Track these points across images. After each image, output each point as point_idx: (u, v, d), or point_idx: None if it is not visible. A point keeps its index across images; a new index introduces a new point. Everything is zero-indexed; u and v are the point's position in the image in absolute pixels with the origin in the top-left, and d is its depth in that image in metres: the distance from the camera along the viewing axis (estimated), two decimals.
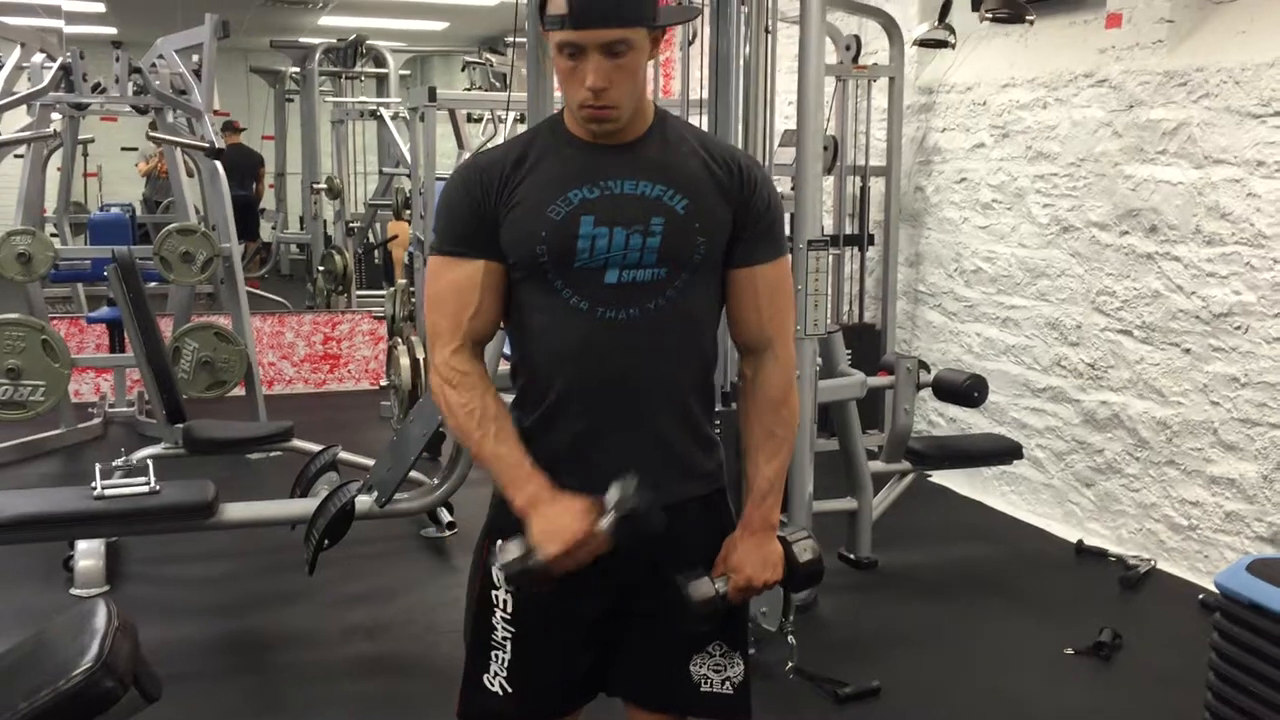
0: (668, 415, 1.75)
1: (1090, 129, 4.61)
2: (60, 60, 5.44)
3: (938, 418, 5.66)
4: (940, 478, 5.34)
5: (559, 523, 1.63)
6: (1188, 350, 4.22)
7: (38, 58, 5.70)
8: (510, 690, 1.78)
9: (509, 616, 1.78)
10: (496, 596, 1.79)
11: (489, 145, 6.23)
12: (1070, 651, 3.55)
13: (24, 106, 5.57)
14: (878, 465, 4.34)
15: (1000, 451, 4.56)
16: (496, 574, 1.73)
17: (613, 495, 1.62)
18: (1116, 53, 4.48)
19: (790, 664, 3.28)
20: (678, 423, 1.76)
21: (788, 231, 3.09)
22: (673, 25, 1.79)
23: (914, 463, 4.38)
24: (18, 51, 5.63)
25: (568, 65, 1.63)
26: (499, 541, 1.69)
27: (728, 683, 1.80)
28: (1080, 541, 4.55)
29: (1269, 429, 3.93)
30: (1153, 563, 4.29)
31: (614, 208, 1.68)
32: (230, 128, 9.40)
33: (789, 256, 1.84)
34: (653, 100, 1.77)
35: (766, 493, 1.79)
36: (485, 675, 1.80)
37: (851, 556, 4.26)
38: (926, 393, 4.52)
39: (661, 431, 1.74)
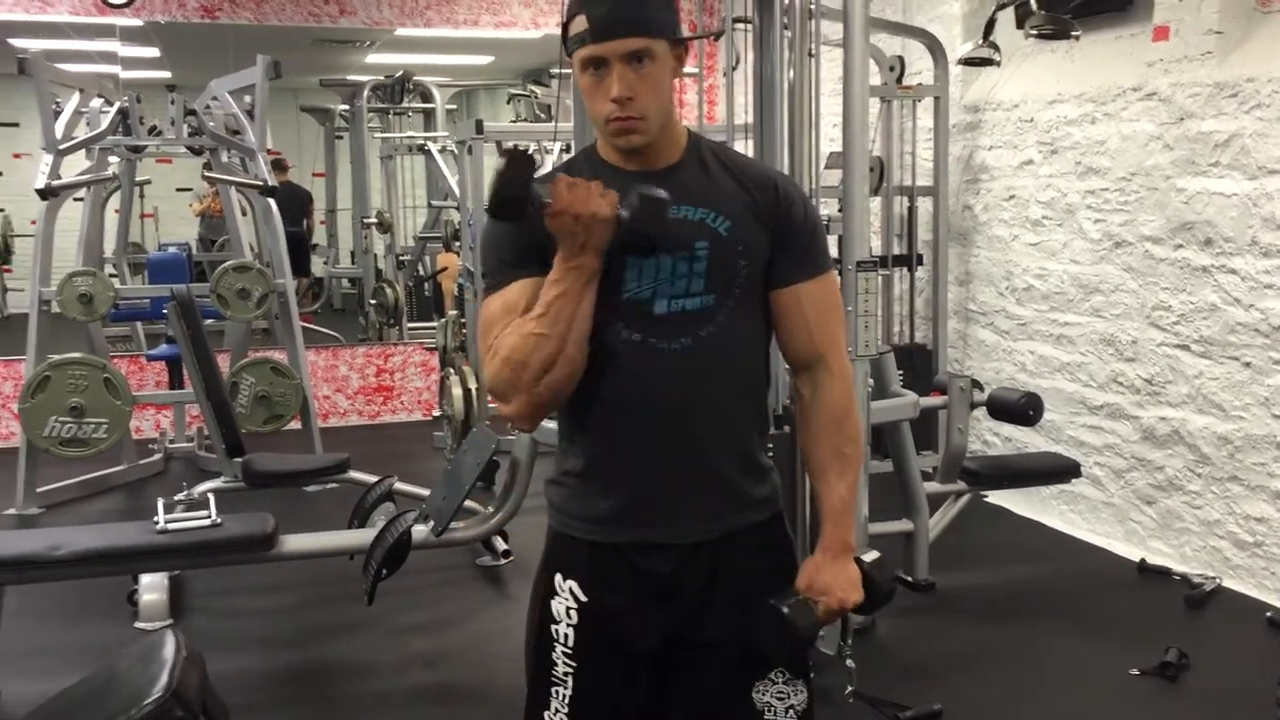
0: (721, 446, 1.74)
1: (1140, 143, 4.57)
2: (118, 105, 5.57)
3: (993, 437, 5.60)
4: (997, 498, 5.29)
5: (578, 187, 1.59)
6: (1248, 364, 4.15)
7: (95, 103, 5.84)
8: None
9: (570, 651, 1.77)
10: (557, 631, 1.78)
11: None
12: (1135, 672, 3.49)
13: (83, 151, 5.71)
14: (933, 486, 4.31)
15: (1058, 470, 4.51)
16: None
17: (633, 197, 1.60)
18: (1165, 65, 4.44)
19: (849, 688, 3.25)
20: (732, 454, 1.75)
21: (835, 252, 3.09)
22: (694, 40, 1.79)
23: (970, 483, 4.34)
24: (76, 97, 5.77)
25: (592, 81, 1.65)
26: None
27: (791, 710, 1.77)
28: (1143, 560, 4.48)
29: None
30: (1218, 580, 4.21)
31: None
32: (278, 166, 9.55)
33: (834, 271, 1.82)
34: (685, 126, 1.78)
35: (843, 513, 1.77)
36: (546, 711, 1.79)
37: (909, 579, 4.22)
38: (981, 412, 4.49)
39: (715, 464, 1.73)
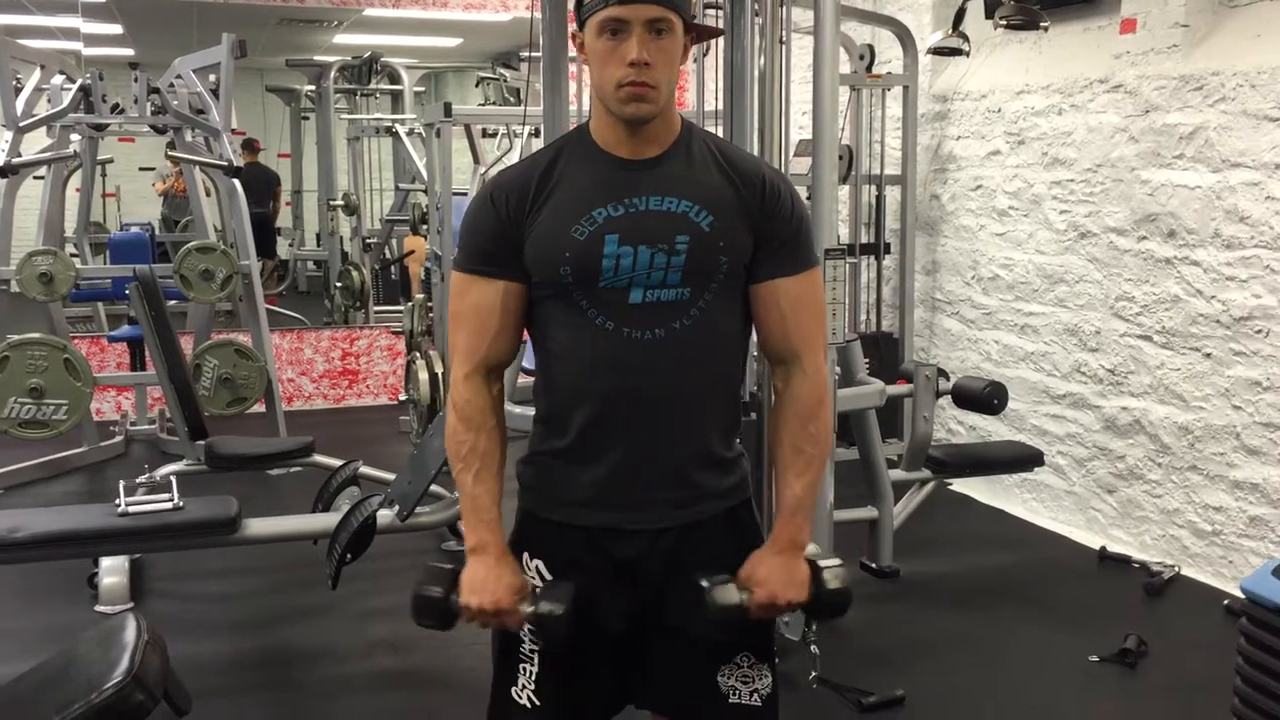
0: (688, 438, 1.74)
1: (1106, 134, 4.60)
2: (80, 82, 5.49)
3: (957, 426, 5.64)
4: (961, 486, 5.33)
5: (489, 584, 1.70)
6: (1209, 355, 4.20)
7: (57, 80, 5.75)
8: (539, 703, 1.78)
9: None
10: (524, 610, 1.79)
11: (505, 160, 6.25)
12: (1095, 659, 3.53)
13: (44, 128, 5.62)
14: (898, 474, 4.33)
15: (1021, 459, 4.55)
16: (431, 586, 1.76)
17: (552, 592, 1.70)
18: (1131, 58, 4.47)
19: (813, 673, 3.27)
20: (698, 445, 1.75)
21: None
22: (702, 33, 1.79)
23: (934, 471, 4.37)
24: (38, 74, 5.68)
25: (608, 45, 1.64)
26: (430, 565, 1.78)
27: (755, 694, 1.79)
28: (1103, 548, 4.53)
29: None
30: (1177, 569, 4.26)
31: (639, 225, 1.68)
32: (249, 146, 9.46)
33: (818, 270, 1.81)
34: (681, 114, 1.77)
35: (795, 510, 1.76)
36: (513, 688, 1.80)
37: (873, 565, 4.25)
38: (946, 401, 4.52)
39: (680, 455, 1.74)
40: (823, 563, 1.77)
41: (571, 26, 1.73)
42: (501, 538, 1.74)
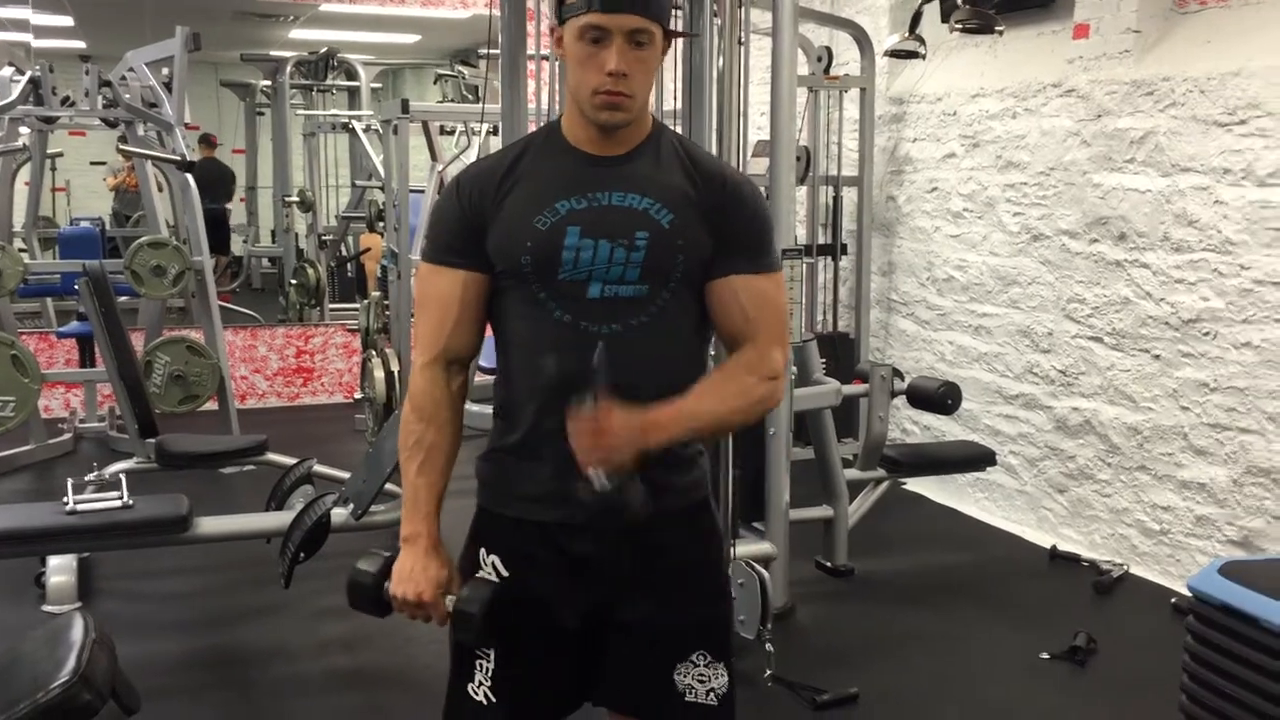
0: None
1: (1059, 138, 4.66)
2: (29, 74, 5.40)
3: (912, 425, 5.69)
4: (915, 485, 5.37)
5: (414, 575, 1.72)
6: (1157, 356, 4.26)
7: (5, 71, 5.66)
8: (495, 700, 1.78)
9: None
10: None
11: (463, 157, 6.22)
12: (1045, 656, 3.57)
13: None
14: (853, 473, 4.36)
15: (974, 458, 4.59)
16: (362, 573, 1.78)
17: (473, 589, 1.70)
18: (1084, 63, 4.53)
19: (768, 671, 3.29)
20: None
21: None
22: (677, 37, 1.80)
23: (889, 470, 4.40)
24: None
25: (587, 51, 1.64)
26: (372, 549, 1.80)
27: (712, 694, 1.79)
28: (1054, 547, 4.58)
29: (1238, 433, 3.98)
30: (1125, 567, 4.32)
31: (600, 220, 1.68)
32: (206, 141, 9.37)
33: (781, 275, 1.81)
34: (653, 115, 1.78)
35: (680, 407, 1.66)
36: (470, 684, 1.80)
37: (828, 564, 4.27)
38: (901, 400, 4.55)
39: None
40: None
41: (547, 22, 1.73)
42: (435, 530, 1.75)
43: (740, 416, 1.76)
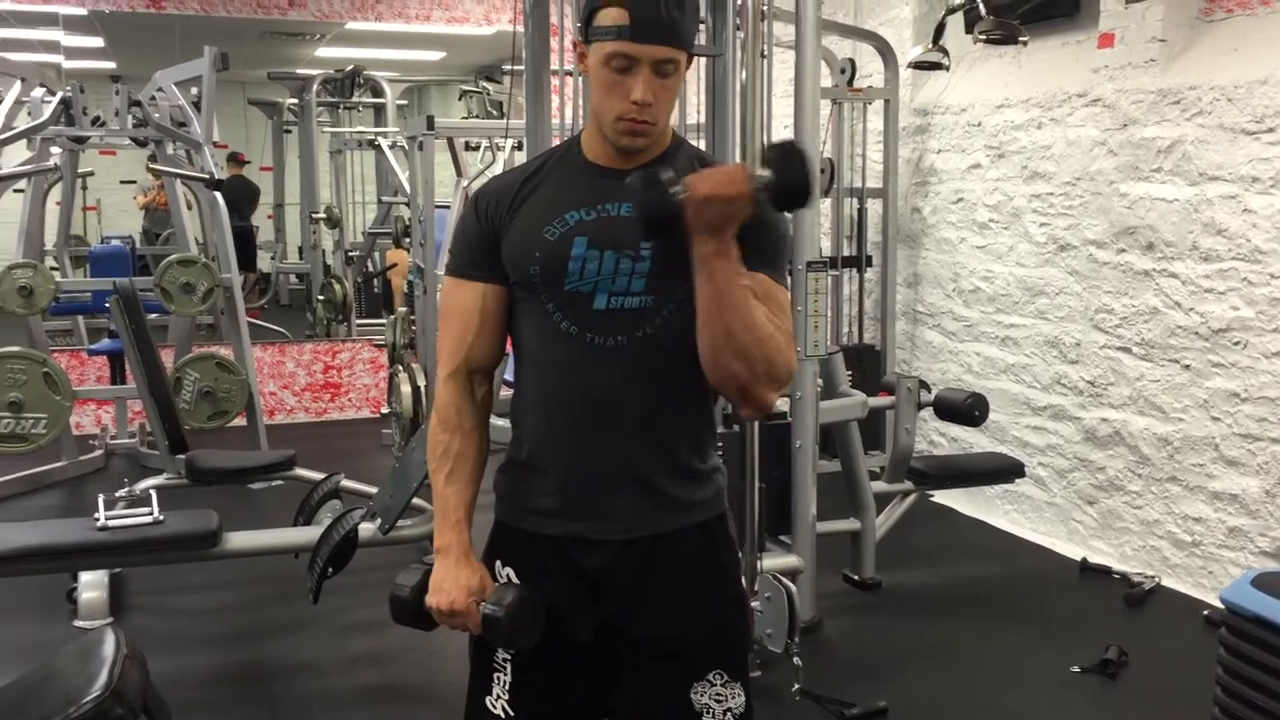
0: (650, 448, 1.72)
1: (1085, 148, 4.64)
2: (60, 95, 5.47)
3: (939, 437, 5.66)
4: (943, 497, 5.34)
5: (450, 584, 1.72)
6: (1187, 366, 4.23)
7: (38, 92, 5.73)
8: (512, 713, 1.78)
9: None
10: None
11: (488, 173, 6.26)
12: (1076, 670, 3.54)
13: (24, 141, 5.60)
14: (880, 486, 4.35)
15: (1002, 470, 4.56)
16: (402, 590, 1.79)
17: (497, 594, 1.71)
18: (1110, 72, 4.51)
19: (796, 685, 3.28)
20: (661, 456, 1.74)
21: None
22: (699, 56, 1.80)
23: (916, 483, 4.38)
24: (18, 86, 5.66)
25: (614, 77, 1.64)
26: (412, 565, 1.79)
27: (729, 714, 1.77)
28: (1084, 559, 4.54)
29: (1270, 444, 3.94)
30: (1157, 579, 4.28)
31: (607, 230, 1.69)
32: (234, 159, 9.45)
33: (787, 282, 1.76)
34: (672, 128, 1.78)
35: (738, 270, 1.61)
36: (488, 697, 1.80)
37: (855, 577, 4.25)
38: (927, 412, 4.54)
39: (642, 465, 1.72)
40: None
41: (571, 36, 1.74)
42: (466, 539, 1.75)
43: (757, 337, 1.61)
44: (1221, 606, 2.69)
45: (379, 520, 3.58)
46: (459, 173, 6.33)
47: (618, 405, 1.70)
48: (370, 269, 8.96)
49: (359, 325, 8.05)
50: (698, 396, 1.78)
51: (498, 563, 1.80)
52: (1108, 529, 4.61)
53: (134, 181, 9.65)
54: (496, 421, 1.84)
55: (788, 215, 1.75)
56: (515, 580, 1.77)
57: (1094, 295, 4.62)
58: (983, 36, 4.67)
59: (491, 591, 1.73)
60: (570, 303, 1.69)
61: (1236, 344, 4.04)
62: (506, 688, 1.78)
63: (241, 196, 8.96)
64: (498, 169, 6.10)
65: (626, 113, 1.64)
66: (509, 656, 1.78)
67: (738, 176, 1.58)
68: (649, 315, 1.69)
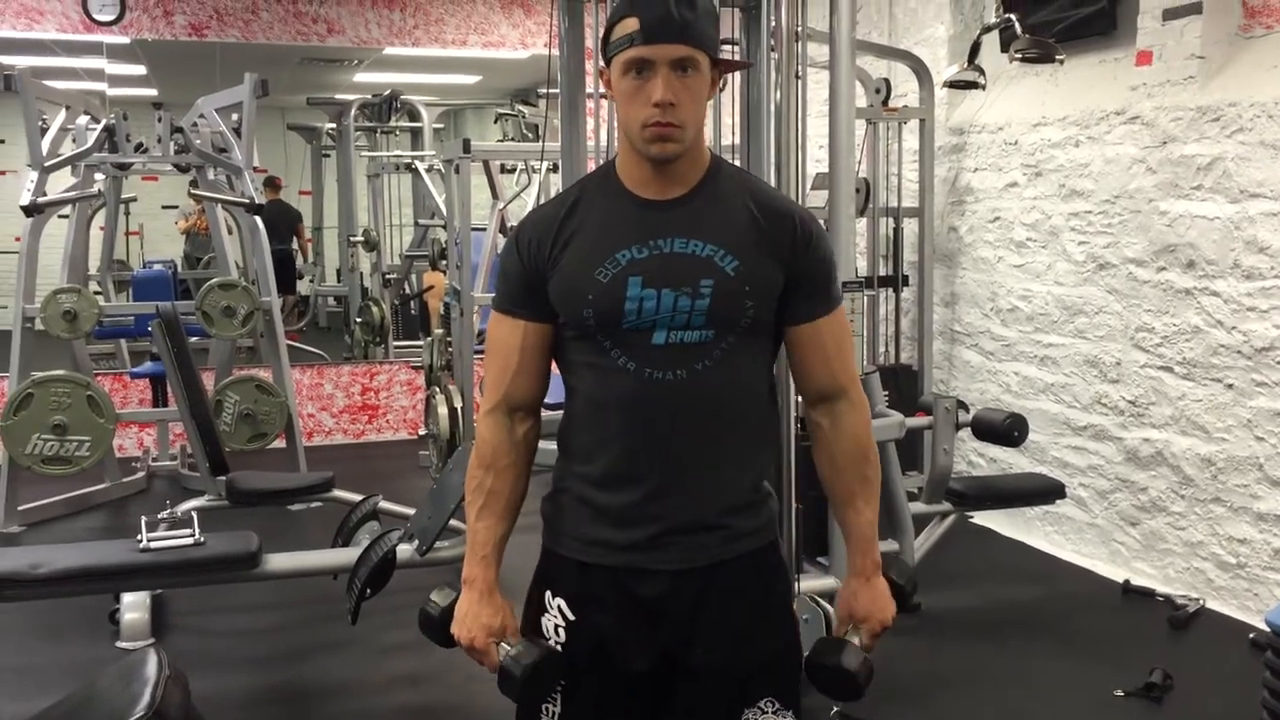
0: (708, 481, 1.72)
1: (1124, 166, 4.61)
2: (104, 122, 5.56)
3: (978, 458, 5.61)
4: (982, 519, 5.30)
5: (472, 620, 1.74)
6: (1230, 385, 4.17)
7: (82, 120, 5.83)
8: None
9: None
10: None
11: (523, 195, 6.29)
12: (1120, 693, 3.49)
13: (69, 168, 5.69)
14: (918, 507, 4.31)
15: (1042, 491, 4.52)
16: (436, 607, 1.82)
17: (522, 648, 1.71)
18: (1148, 89, 4.48)
19: (835, 709, 3.25)
20: (720, 488, 1.73)
21: None
22: (729, 67, 1.80)
23: (955, 504, 4.34)
24: (63, 114, 5.76)
25: (633, 85, 1.64)
26: (446, 584, 1.84)
27: None
28: (1127, 581, 4.49)
29: None
30: (1201, 602, 4.22)
31: (663, 269, 1.67)
32: (271, 184, 9.56)
33: (844, 303, 1.82)
34: (709, 149, 1.77)
35: (871, 538, 1.82)
36: None
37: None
38: (966, 433, 4.50)
39: (700, 497, 1.72)
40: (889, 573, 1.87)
41: (595, 63, 1.75)
42: (492, 575, 1.76)
43: (879, 479, 1.85)
44: (1267, 629, 2.65)
45: (416, 541, 3.59)
46: (495, 195, 6.37)
47: (675, 438, 1.69)
48: (407, 291, 9.02)
49: (396, 347, 8.10)
50: (759, 425, 1.78)
51: (548, 593, 1.78)
52: (1151, 550, 4.55)
53: (176, 206, 9.78)
54: (542, 444, 1.84)
55: (829, 245, 1.79)
56: (568, 612, 1.76)
57: (1134, 314, 4.58)
58: (1019, 55, 4.65)
59: (517, 640, 1.73)
60: (628, 340, 1.68)
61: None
62: (556, 718, 1.77)
63: (279, 220, 9.06)
64: (533, 191, 6.13)
65: (650, 117, 1.63)
66: (560, 688, 1.76)
67: (889, 597, 1.83)
68: (709, 349, 1.69)
